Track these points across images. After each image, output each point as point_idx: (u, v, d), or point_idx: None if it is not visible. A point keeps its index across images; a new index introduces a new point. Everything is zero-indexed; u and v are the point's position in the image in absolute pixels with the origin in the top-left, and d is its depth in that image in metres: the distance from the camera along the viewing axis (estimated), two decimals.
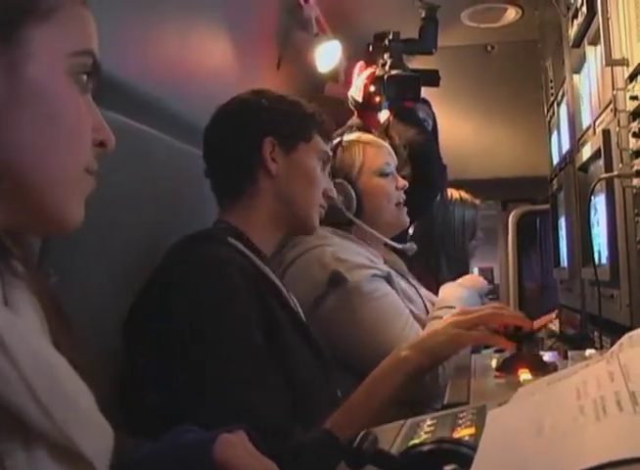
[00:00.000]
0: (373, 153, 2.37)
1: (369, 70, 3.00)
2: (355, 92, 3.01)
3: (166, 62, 1.90)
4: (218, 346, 1.45)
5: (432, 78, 3.02)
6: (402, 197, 2.39)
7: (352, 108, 3.04)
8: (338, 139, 2.38)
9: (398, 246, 2.39)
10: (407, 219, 2.43)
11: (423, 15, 3.03)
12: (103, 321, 1.58)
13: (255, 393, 1.43)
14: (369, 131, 2.82)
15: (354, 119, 2.97)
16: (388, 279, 2.16)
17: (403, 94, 2.94)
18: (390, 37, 2.97)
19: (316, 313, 1.97)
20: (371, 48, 3.07)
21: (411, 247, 2.42)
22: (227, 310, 1.48)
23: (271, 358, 1.50)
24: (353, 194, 2.30)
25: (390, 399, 1.64)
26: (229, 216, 1.76)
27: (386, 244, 2.40)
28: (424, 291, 2.39)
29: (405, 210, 2.40)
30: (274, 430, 1.37)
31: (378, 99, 2.94)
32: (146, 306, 1.54)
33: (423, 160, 2.85)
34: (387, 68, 2.96)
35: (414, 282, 2.38)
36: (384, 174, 2.35)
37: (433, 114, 3.19)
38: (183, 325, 1.47)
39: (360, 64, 3.08)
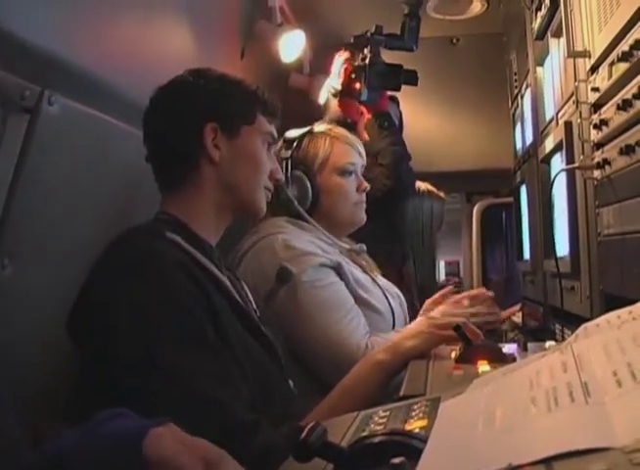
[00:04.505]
0: (339, 149, 2.31)
1: (346, 54, 2.97)
2: (334, 79, 2.98)
3: (127, 51, 1.86)
4: (169, 342, 1.38)
5: (411, 78, 2.99)
6: (362, 198, 2.34)
7: (332, 97, 3.00)
8: (308, 128, 2.35)
9: (347, 246, 2.34)
10: (364, 218, 2.37)
11: (406, 11, 2.98)
12: (59, 311, 1.54)
13: (221, 387, 1.38)
14: (349, 123, 2.81)
15: (334, 113, 2.94)
16: (338, 269, 2.14)
17: (385, 83, 2.91)
18: (373, 30, 2.92)
19: (270, 307, 1.96)
20: (352, 39, 3.01)
21: (360, 248, 2.39)
22: (170, 307, 1.42)
23: (223, 350, 1.46)
24: (309, 188, 2.25)
25: (372, 397, 1.67)
26: (171, 207, 1.68)
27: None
28: (384, 281, 2.38)
29: (363, 208, 2.36)
30: (243, 424, 1.35)
31: (358, 85, 2.89)
32: (86, 304, 1.48)
33: (394, 170, 2.83)
34: (367, 61, 2.92)
35: (373, 274, 2.36)
36: (345, 173, 2.30)
37: (400, 112, 3.18)
38: (125, 326, 1.40)
39: (339, 52, 3.04)
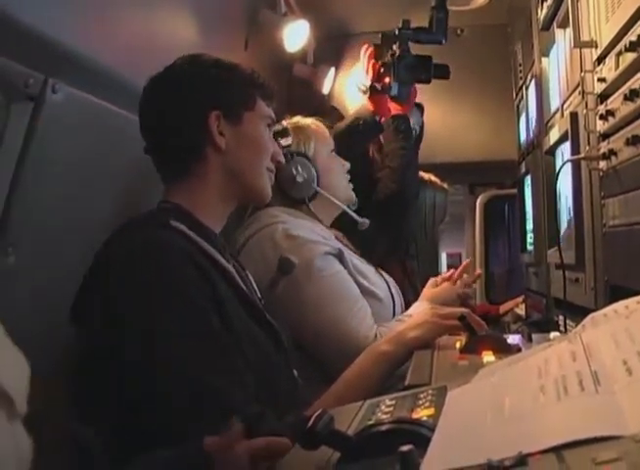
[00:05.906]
0: (323, 135, 2.42)
1: (370, 50, 2.94)
2: (362, 76, 2.95)
3: (131, 40, 1.86)
4: (172, 334, 1.38)
5: (442, 71, 2.94)
6: (348, 177, 2.46)
7: (362, 93, 2.98)
8: (285, 123, 2.36)
9: (358, 219, 2.42)
10: (354, 196, 2.47)
11: (433, 3, 2.93)
12: (62, 299, 1.54)
13: (222, 376, 1.37)
14: (376, 121, 2.81)
15: (363, 110, 2.91)
16: (340, 256, 2.17)
17: (415, 75, 2.87)
18: (400, 25, 2.87)
19: (271, 296, 1.96)
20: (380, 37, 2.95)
21: (364, 222, 2.44)
22: (175, 300, 1.41)
23: (228, 341, 1.45)
24: (314, 170, 2.33)
25: (377, 387, 1.66)
26: (175, 196, 1.66)
27: (338, 221, 2.45)
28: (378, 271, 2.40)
29: (351, 186, 2.47)
30: (247, 416, 1.34)
31: (387, 80, 2.85)
32: (89, 293, 1.47)
33: (401, 174, 2.82)
34: (395, 57, 2.86)
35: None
36: (333, 152, 2.43)
37: (422, 121, 3.13)
38: (129, 318, 1.40)
39: (364, 47, 3.00)
